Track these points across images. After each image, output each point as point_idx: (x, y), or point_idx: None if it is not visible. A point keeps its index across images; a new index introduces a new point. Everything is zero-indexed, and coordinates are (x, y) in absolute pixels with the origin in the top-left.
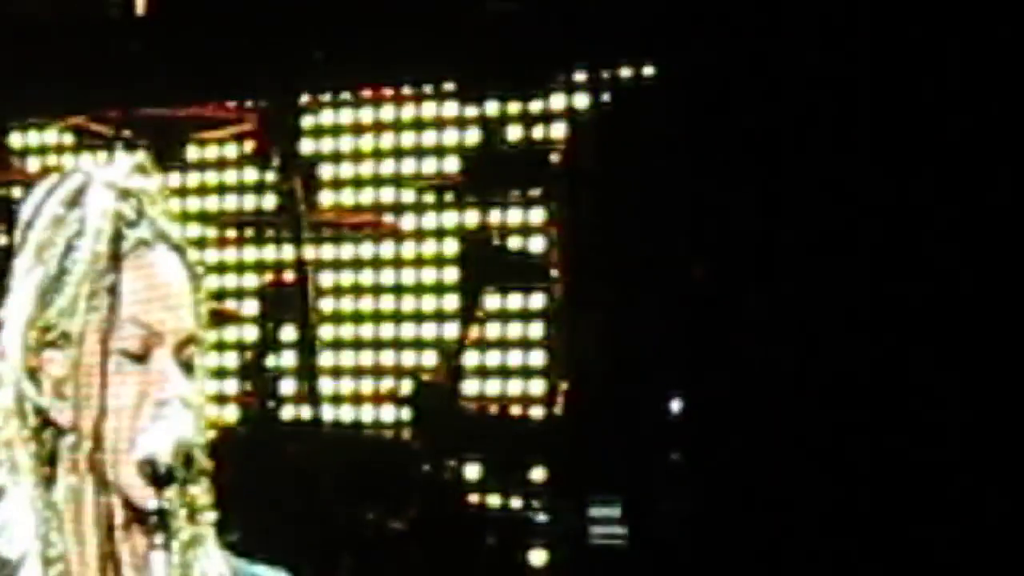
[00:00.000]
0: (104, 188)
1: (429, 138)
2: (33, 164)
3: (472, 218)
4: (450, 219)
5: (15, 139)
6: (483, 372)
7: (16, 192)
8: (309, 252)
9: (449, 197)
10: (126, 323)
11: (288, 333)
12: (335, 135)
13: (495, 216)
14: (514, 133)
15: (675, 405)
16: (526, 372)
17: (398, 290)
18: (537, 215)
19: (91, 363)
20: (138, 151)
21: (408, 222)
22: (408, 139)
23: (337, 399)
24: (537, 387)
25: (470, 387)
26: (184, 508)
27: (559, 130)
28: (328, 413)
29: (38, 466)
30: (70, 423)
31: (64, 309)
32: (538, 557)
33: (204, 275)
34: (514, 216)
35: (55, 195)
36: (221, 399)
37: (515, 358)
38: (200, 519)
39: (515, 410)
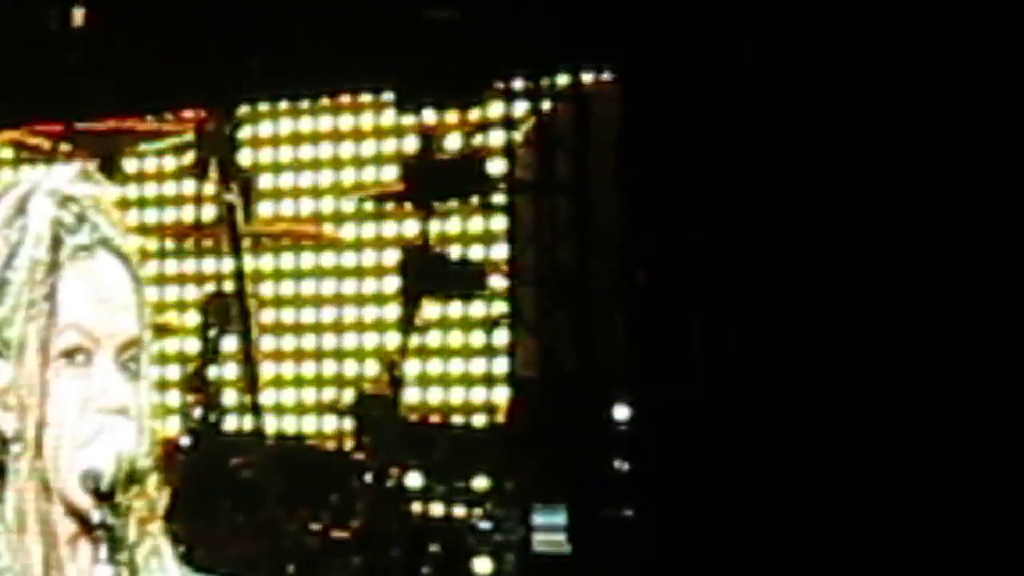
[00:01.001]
0: (46, 195)
1: (368, 148)
2: None
3: (412, 227)
4: (390, 229)
5: None
6: (425, 381)
7: None
8: (249, 263)
9: (389, 207)
10: (65, 329)
11: (229, 344)
12: (274, 145)
13: (435, 225)
14: (453, 142)
15: (618, 413)
16: (468, 380)
17: (339, 300)
18: (477, 223)
19: (32, 371)
20: (75, 164)
21: (348, 232)
22: (347, 149)
23: (279, 410)
24: (479, 395)
25: (412, 396)
26: (133, 521)
27: (497, 138)
28: (271, 424)
29: None
30: (14, 433)
31: (4, 318)
32: (482, 565)
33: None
34: (454, 225)
35: (1, 203)
36: (163, 411)
37: (456, 366)
38: (152, 531)
39: (457, 419)
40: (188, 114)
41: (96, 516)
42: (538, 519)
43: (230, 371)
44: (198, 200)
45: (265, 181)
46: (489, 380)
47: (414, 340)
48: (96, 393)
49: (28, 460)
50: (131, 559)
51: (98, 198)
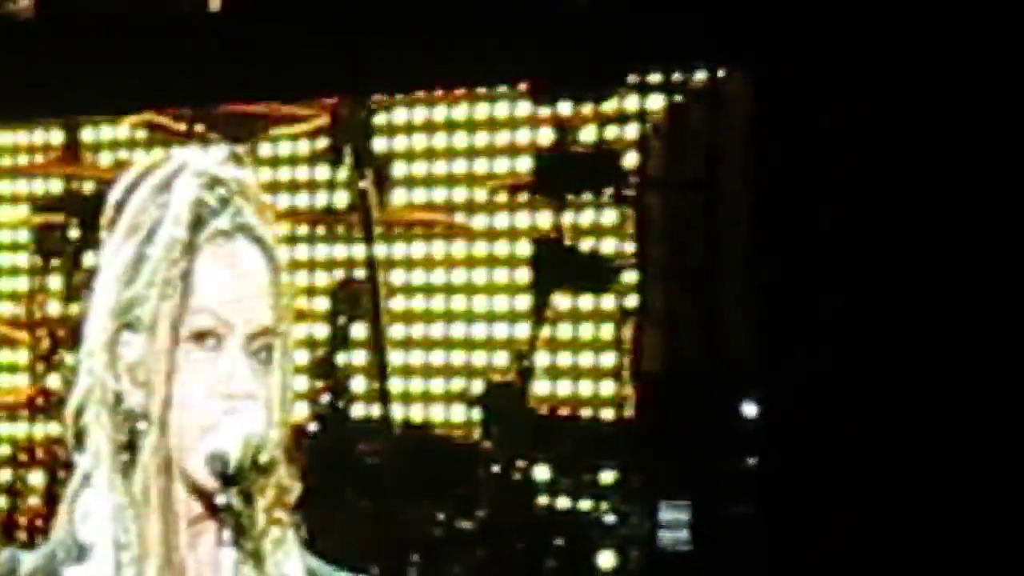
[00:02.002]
0: (193, 175)
1: (502, 138)
2: (105, 159)
3: (544, 219)
4: (522, 219)
5: (87, 134)
6: (554, 373)
7: (87, 187)
8: (380, 250)
9: (521, 197)
10: (198, 311)
11: (358, 331)
12: (408, 133)
13: (567, 217)
14: (586, 134)
15: (745, 409)
16: (597, 373)
17: (469, 290)
18: (609, 216)
19: (161, 350)
20: (225, 147)
21: (480, 222)
22: (481, 139)
23: (407, 398)
24: (608, 388)
25: (540, 388)
26: (261, 506)
27: (631, 132)
28: (398, 412)
29: (116, 451)
30: (142, 409)
31: (139, 295)
32: (606, 560)
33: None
34: (585, 217)
35: (149, 179)
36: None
37: (586, 359)
38: (279, 518)
39: (585, 412)
40: (324, 100)
41: (222, 499)
42: (663, 515)
43: (359, 358)
44: (331, 186)
45: (398, 169)
46: (617, 374)
47: (544, 332)
48: (222, 379)
49: (154, 438)
50: (257, 544)
51: (244, 183)
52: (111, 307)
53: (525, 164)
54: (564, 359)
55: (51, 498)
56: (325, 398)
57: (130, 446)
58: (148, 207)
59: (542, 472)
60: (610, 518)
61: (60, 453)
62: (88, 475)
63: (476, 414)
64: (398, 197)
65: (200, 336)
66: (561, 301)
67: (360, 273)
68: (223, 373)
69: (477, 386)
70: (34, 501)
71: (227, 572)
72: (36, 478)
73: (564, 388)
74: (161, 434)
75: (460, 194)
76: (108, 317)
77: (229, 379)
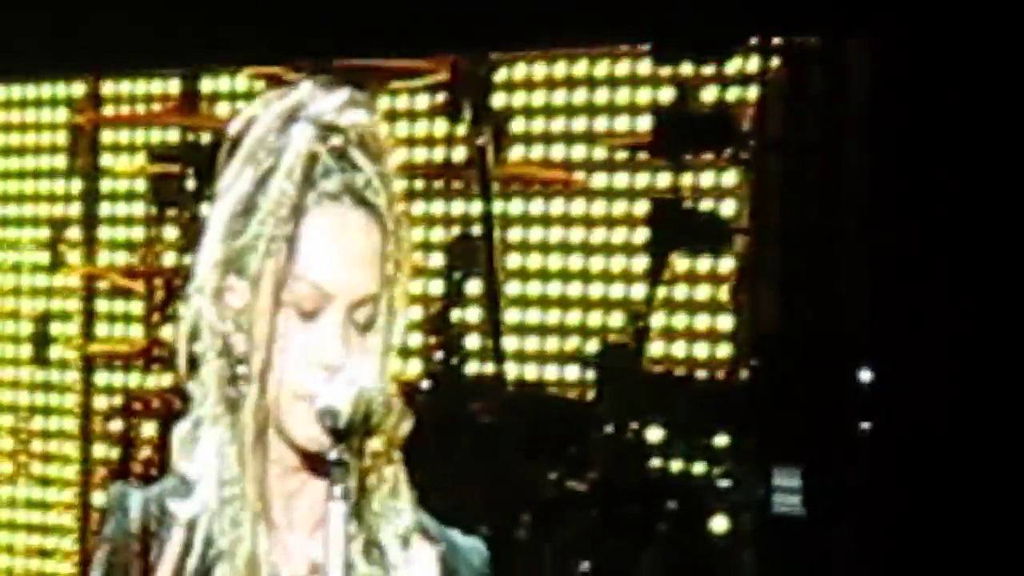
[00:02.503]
0: (309, 122)
1: (622, 96)
2: (222, 110)
3: (663, 179)
4: (641, 178)
5: (206, 85)
6: (670, 334)
7: (205, 138)
8: (497, 207)
9: (641, 156)
10: (298, 279)
11: (474, 288)
12: (527, 90)
13: (686, 177)
14: (707, 94)
15: (860, 373)
16: (713, 336)
17: (586, 248)
18: (728, 177)
19: (263, 308)
20: (345, 90)
21: (599, 180)
22: (601, 96)
23: (521, 357)
24: (724, 351)
25: (656, 349)
26: (370, 461)
27: (752, 93)
28: (512, 371)
29: (221, 386)
30: (244, 355)
31: (246, 246)
32: (719, 524)
33: (401, 230)
34: (705, 178)
35: (268, 113)
36: (404, 353)
37: (702, 321)
38: (389, 473)
39: (701, 374)
40: (443, 55)
41: (332, 454)
42: (777, 480)
43: (473, 315)
44: (449, 141)
45: (517, 125)
46: (733, 337)
47: (660, 292)
48: (317, 350)
49: (255, 389)
50: (367, 499)
51: (364, 130)
52: (221, 247)
53: (645, 123)
54: (680, 320)
55: (164, 448)
56: (438, 355)
57: (235, 383)
58: (264, 146)
59: (655, 434)
60: (723, 482)
61: (174, 404)
62: (196, 408)
63: (590, 374)
64: (516, 154)
65: (299, 305)
66: (678, 262)
67: (476, 229)
68: (318, 344)
69: (592, 346)
70: (147, 452)
71: (333, 526)
72: (149, 429)
73: (679, 349)
74: (259, 390)
75: (579, 152)
76: (218, 256)
77: (323, 351)
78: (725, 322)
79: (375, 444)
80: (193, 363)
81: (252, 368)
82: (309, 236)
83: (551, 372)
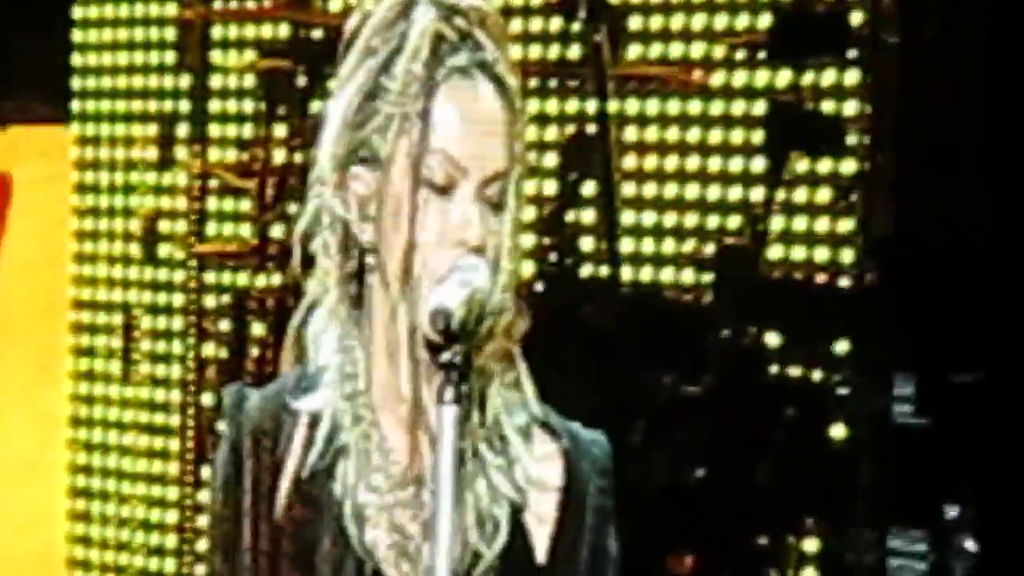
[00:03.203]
0: (431, 5)
1: None
2: (334, 6)
3: (783, 77)
4: (761, 77)
5: None
6: (789, 237)
7: (316, 33)
8: (613, 106)
9: (760, 55)
10: (432, 155)
11: (588, 188)
12: None
13: (806, 77)
14: None
15: (979, 278)
16: (834, 239)
17: (704, 149)
18: (852, 77)
19: (395, 190)
20: None
21: (717, 78)
22: None
23: (637, 259)
24: (845, 256)
25: (775, 252)
26: (488, 361)
27: None
28: (627, 273)
29: (343, 280)
30: (371, 244)
31: (376, 128)
32: (838, 432)
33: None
34: (826, 77)
35: (384, 4)
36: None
37: (822, 224)
38: (509, 373)
39: (820, 279)
40: None
41: (445, 356)
42: (898, 388)
43: (588, 216)
44: (565, 38)
45: (634, 22)
46: (854, 241)
47: (779, 194)
48: (454, 227)
49: (381, 278)
50: (489, 392)
51: (485, 13)
52: (345, 137)
53: (765, 21)
54: (799, 223)
55: (276, 348)
56: (552, 257)
57: (358, 278)
58: (384, 33)
59: (773, 339)
60: (842, 389)
61: (286, 302)
62: (314, 305)
63: (707, 277)
64: (633, 51)
65: (433, 180)
66: (798, 163)
67: (592, 128)
68: (455, 221)
69: (709, 248)
70: (256, 351)
71: (444, 430)
72: (259, 329)
73: (799, 253)
74: (388, 278)
75: (697, 50)
76: (341, 146)
77: (460, 227)
78: (846, 225)
79: (493, 344)
80: (309, 262)
81: (383, 251)
82: (442, 110)
83: (667, 275)
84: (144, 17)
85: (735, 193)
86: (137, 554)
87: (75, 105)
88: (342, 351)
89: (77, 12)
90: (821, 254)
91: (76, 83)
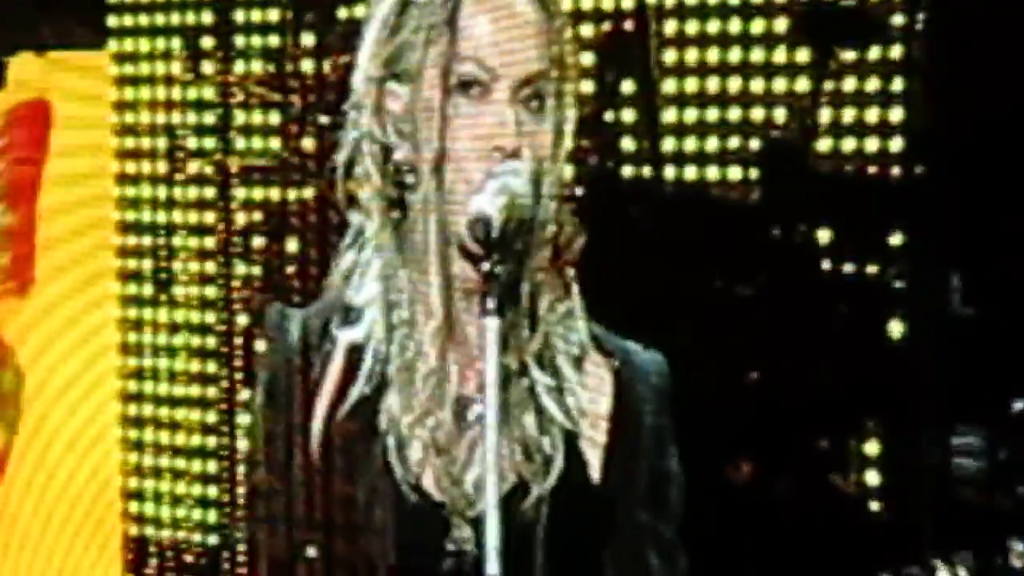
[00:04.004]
0: None
1: None
2: None
3: None
4: None
5: None
6: (838, 128)
7: None
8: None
9: None
10: (464, 60)
11: (627, 86)
12: None
13: None
14: None
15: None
16: (884, 129)
17: (746, 41)
18: None
19: (428, 99)
20: None
21: None
22: None
23: (680, 158)
24: (896, 145)
25: (824, 145)
26: (533, 271)
27: None
28: (670, 172)
29: (385, 208)
30: (409, 163)
31: (405, 41)
32: (896, 329)
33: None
34: None
35: None
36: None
37: (872, 115)
38: (557, 283)
39: (872, 170)
40: None
41: (485, 266)
42: (957, 281)
43: (628, 115)
44: None
45: None
46: (907, 130)
47: (827, 85)
48: (488, 131)
49: (422, 194)
50: (534, 316)
51: None
52: (377, 55)
53: None
54: (849, 114)
55: (307, 264)
56: (592, 159)
57: (400, 203)
58: None
59: (825, 235)
60: (899, 283)
61: (312, 217)
62: (359, 233)
63: (754, 173)
64: None
65: (465, 85)
66: (845, 52)
67: (629, 24)
68: (489, 126)
69: (755, 143)
70: (290, 268)
71: (489, 342)
72: (291, 244)
73: (849, 145)
74: (429, 190)
75: None
76: (374, 66)
77: (496, 131)
78: (896, 114)
79: (538, 253)
80: (350, 193)
81: (420, 166)
82: (469, 14)
83: (712, 173)
84: None
85: (780, 85)
86: (191, 482)
87: (111, 20)
88: (385, 279)
89: None
90: (872, 144)
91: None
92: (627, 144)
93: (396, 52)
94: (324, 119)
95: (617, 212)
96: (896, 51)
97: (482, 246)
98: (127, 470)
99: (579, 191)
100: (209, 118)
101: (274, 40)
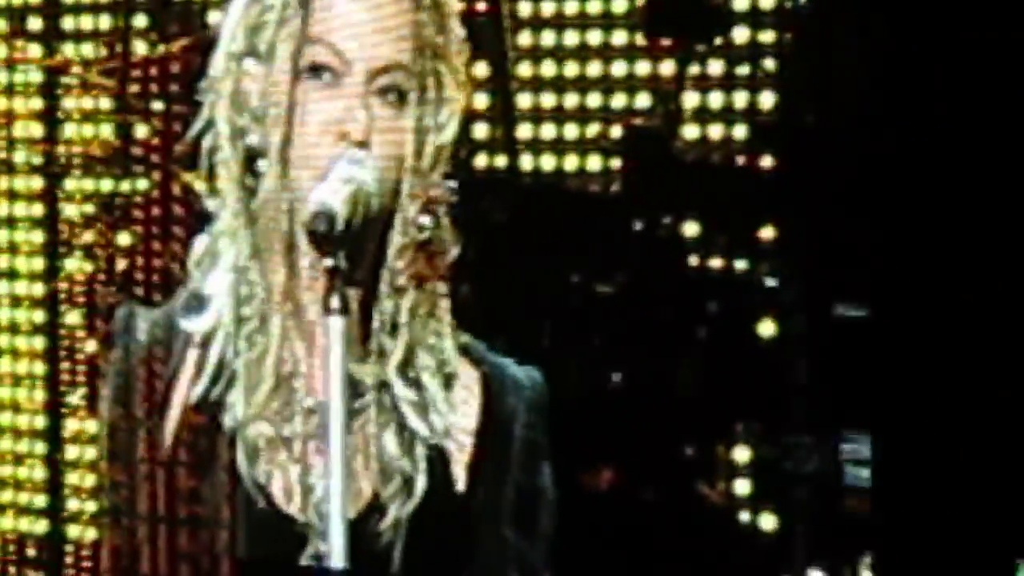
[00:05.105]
0: None
1: None
2: None
3: None
4: None
5: None
6: (704, 114)
7: None
8: None
9: None
10: (314, 42)
11: (481, 71)
12: None
13: None
14: None
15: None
16: (753, 114)
17: (607, 22)
18: None
19: (279, 80)
20: None
21: None
22: None
23: (536, 146)
24: (764, 132)
25: (690, 132)
26: (403, 277)
27: None
28: (527, 162)
29: (238, 196)
30: (260, 147)
31: (260, 21)
32: (767, 329)
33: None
34: None
35: None
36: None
37: (741, 99)
38: (424, 292)
39: (740, 159)
40: None
41: (328, 260)
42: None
43: (480, 101)
44: None
45: None
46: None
47: (693, 68)
48: (336, 118)
49: (275, 178)
50: (402, 318)
51: None
52: (237, 34)
53: None
54: (715, 99)
55: (144, 257)
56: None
57: (253, 190)
58: None
59: (692, 228)
60: (771, 280)
61: (151, 210)
62: (211, 222)
63: (615, 163)
64: None
65: (316, 69)
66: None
67: (481, 5)
68: (337, 113)
69: (615, 131)
70: (123, 262)
71: (332, 342)
72: (125, 238)
73: (715, 131)
74: (274, 178)
75: None
76: (232, 42)
77: (343, 119)
78: (768, 100)
79: (406, 258)
80: (211, 178)
81: (271, 151)
82: None
83: (571, 162)
84: None
85: (643, 68)
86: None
87: None
88: (236, 271)
89: None
90: (740, 131)
91: None
92: (480, 131)
93: (251, 30)
94: (159, 105)
95: (469, 204)
96: (768, 35)
97: (325, 240)
98: None
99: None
100: (36, 103)
101: (105, 22)
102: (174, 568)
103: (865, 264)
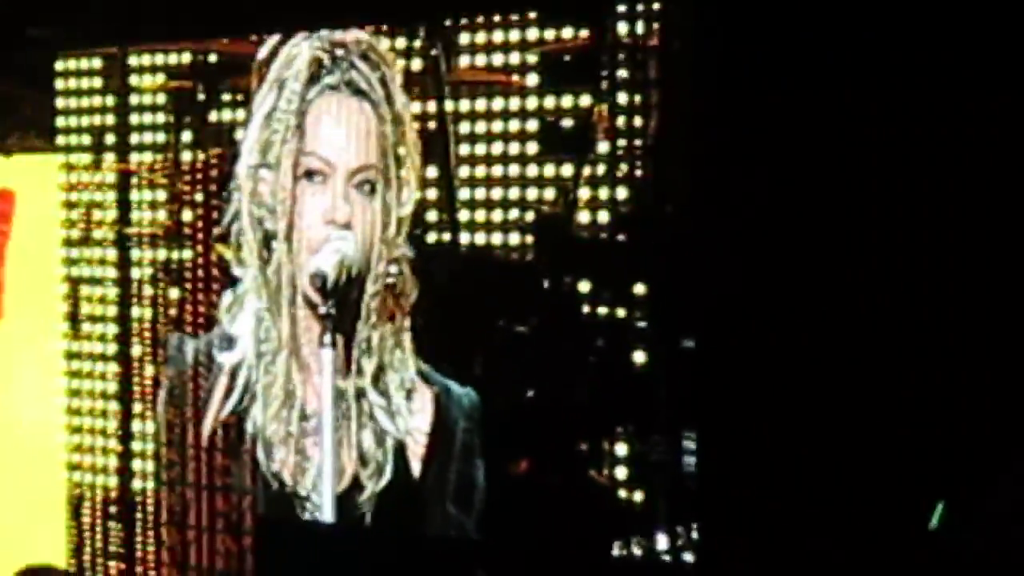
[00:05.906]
0: (320, 39)
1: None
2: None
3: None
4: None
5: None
6: (594, 204)
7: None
8: (449, 105)
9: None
10: (308, 154)
11: (432, 172)
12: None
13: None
14: None
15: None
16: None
17: (522, 136)
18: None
19: (285, 184)
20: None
21: (532, 79)
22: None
23: (472, 226)
24: (635, 217)
25: (584, 217)
26: (367, 316)
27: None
28: (465, 238)
29: (258, 264)
30: (273, 231)
31: (270, 140)
32: (639, 357)
33: (401, 122)
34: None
35: (288, 43)
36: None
37: (622, 193)
38: (392, 326)
39: (621, 237)
40: None
41: (322, 309)
42: (681, 320)
43: (432, 193)
44: (407, 54)
45: (464, 38)
46: (637, 204)
47: (586, 170)
48: (327, 209)
49: (282, 255)
50: (374, 345)
51: (365, 46)
52: (255, 149)
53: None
54: (603, 192)
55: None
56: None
57: (269, 258)
58: (283, 66)
59: (585, 286)
60: (642, 323)
61: (190, 275)
62: (238, 282)
63: (530, 239)
64: (463, 62)
65: (310, 173)
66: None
67: (432, 125)
68: (327, 204)
69: (530, 216)
70: (173, 312)
71: (325, 367)
72: (174, 293)
73: (603, 217)
74: (282, 252)
75: (515, 58)
76: (250, 156)
77: (331, 210)
78: (621, 193)
79: (377, 302)
80: (239, 250)
81: (281, 232)
82: (314, 119)
83: (497, 238)
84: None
85: (549, 170)
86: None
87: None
88: (257, 318)
89: (59, 65)
90: (603, 217)
91: (60, 120)
92: (432, 215)
93: (264, 147)
94: (200, 197)
95: (424, 270)
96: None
97: (320, 294)
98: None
99: (402, 252)
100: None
101: (161, 137)
102: (212, 520)
103: (699, 312)
